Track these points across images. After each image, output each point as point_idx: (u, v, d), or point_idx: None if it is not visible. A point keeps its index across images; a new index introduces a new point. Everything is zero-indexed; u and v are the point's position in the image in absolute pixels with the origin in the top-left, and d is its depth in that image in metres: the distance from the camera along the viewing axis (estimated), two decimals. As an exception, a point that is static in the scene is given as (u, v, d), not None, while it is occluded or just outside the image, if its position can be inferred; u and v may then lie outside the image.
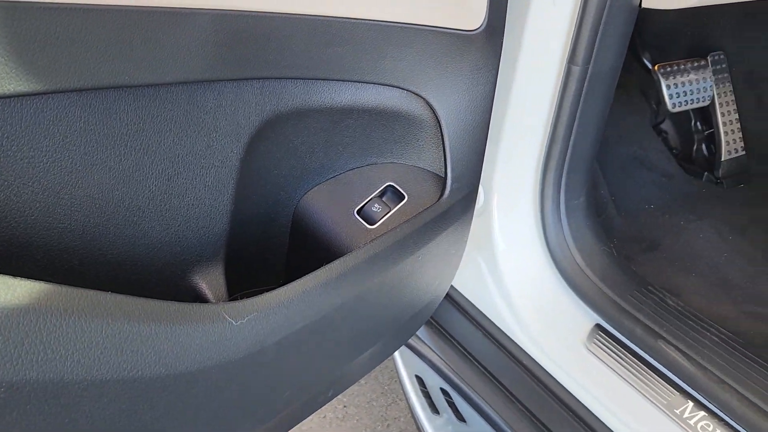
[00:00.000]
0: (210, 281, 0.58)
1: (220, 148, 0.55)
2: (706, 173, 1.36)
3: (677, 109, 1.26)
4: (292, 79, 0.57)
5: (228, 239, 0.59)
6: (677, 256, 1.14)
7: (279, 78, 0.56)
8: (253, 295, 0.58)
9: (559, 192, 0.96)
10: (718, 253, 1.16)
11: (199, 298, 0.58)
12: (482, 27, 0.61)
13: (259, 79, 0.55)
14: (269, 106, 0.57)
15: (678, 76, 1.25)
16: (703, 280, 1.08)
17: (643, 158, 1.36)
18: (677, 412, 0.80)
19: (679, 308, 0.92)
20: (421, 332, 1.11)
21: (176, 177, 0.52)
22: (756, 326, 0.97)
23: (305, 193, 0.68)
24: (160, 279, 0.56)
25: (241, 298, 0.57)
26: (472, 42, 0.62)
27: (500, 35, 0.65)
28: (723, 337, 0.88)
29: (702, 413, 0.81)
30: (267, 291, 0.57)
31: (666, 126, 1.41)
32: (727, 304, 1.02)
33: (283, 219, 0.68)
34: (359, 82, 0.61)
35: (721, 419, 0.79)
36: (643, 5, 0.85)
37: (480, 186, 0.92)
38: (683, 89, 1.25)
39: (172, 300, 0.49)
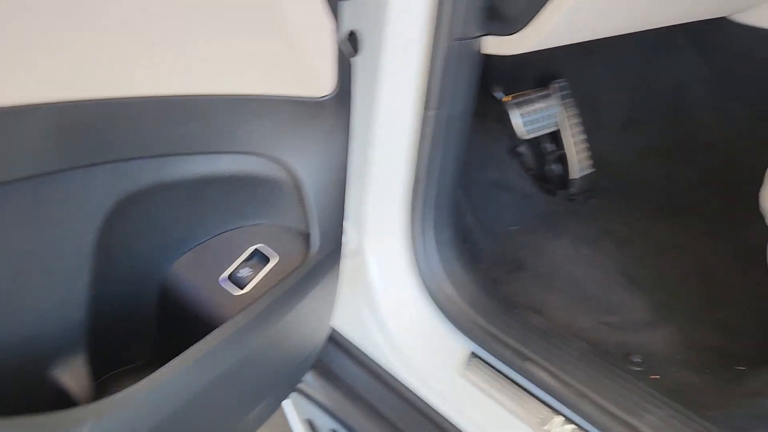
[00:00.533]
0: (73, 372, 0.56)
1: (71, 237, 0.53)
2: (560, 191, 1.48)
3: (529, 136, 1.36)
4: (145, 158, 0.56)
5: (89, 325, 0.57)
6: (540, 274, 1.23)
7: (131, 159, 0.56)
8: (122, 375, 0.56)
9: (427, 228, 1.00)
10: (576, 266, 1.26)
11: (63, 392, 0.55)
12: (332, 93, 0.64)
13: (109, 162, 0.54)
14: (122, 187, 0.56)
15: (527, 106, 1.35)
16: (564, 294, 1.17)
17: (503, 181, 1.45)
18: (547, 428, 0.86)
19: (543, 327, 0.99)
20: (308, 376, 1.12)
21: (24, 273, 0.50)
22: (610, 336, 1.06)
23: (171, 264, 0.67)
24: (19, 378, 0.53)
25: (110, 380, 0.55)
26: (324, 107, 0.64)
27: (349, 97, 0.68)
28: (583, 350, 0.96)
29: (572, 427, 0.87)
30: (137, 368, 0.56)
31: (521, 149, 1.51)
32: (586, 316, 1.11)
33: (149, 293, 0.67)
34: (216, 153, 0.61)
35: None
36: (485, 52, 0.92)
37: (353, 228, 0.94)
38: (533, 117, 1.35)
39: (34, 399, 0.46)
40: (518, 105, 1.33)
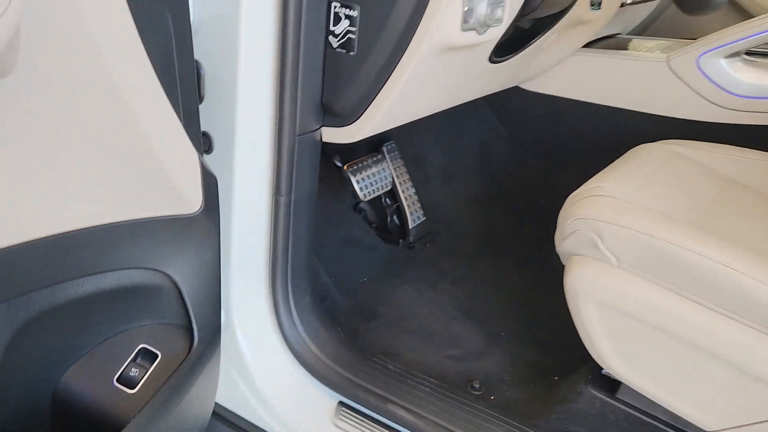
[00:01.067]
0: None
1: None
2: (401, 240, 1.67)
3: (368, 198, 1.53)
4: (36, 290, 0.63)
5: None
6: (392, 320, 1.39)
7: (25, 293, 0.62)
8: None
9: (287, 298, 1.12)
10: (421, 308, 1.44)
11: None
12: (201, 208, 0.75)
13: (5, 301, 0.60)
14: (19, 317, 0.63)
15: (363, 171, 1.52)
16: (414, 336, 1.34)
17: (350, 237, 1.61)
18: (412, 460, 1.02)
19: (398, 370, 1.15)
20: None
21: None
22: (454, 367, 1.25)
23: (63, 375, 0.73)
24: None
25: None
26: (195, 221, 0.74)
27: (217, 210, 0.79)
28: (433, 385, 1.13)
29: (434, 456, 1.03)
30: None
31: (363, 205, 1.68)
32: (433, 353, 1.29)
33: (43, 407, 0.72)
34: (101, 272, 0.69)
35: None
36: (325, 140, 1.07)
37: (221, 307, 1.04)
38: (369, 181, 1.53)
39: None
40: (354, 172, 1.50)
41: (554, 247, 1.10)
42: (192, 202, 0.73)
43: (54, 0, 0.52)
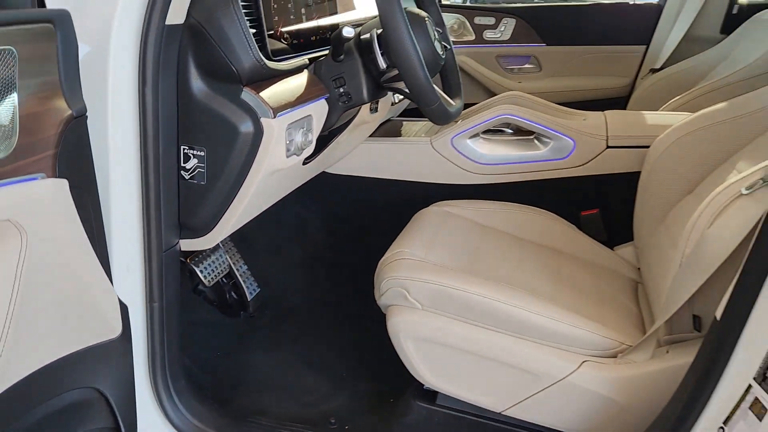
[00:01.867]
0: None
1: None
2: (242, 312, 1.91)
3: (212, 283, 1.76)
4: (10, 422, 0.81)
5: None
6: (252, 383, 1.64)
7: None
8: None
9: (167, 385, 1.33)
10: (273, 368, 1.71)
11: None
12: (120, 331, 0.97)
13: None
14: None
15: (204, 261, 1.76)
16: (274, 393, 1.61)
17: (197, 319, 1.83)
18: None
19: (270, 424, 1.42)
20: None
21: None
22: (313, 410, 1.54)
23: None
24: None
25: None
26: (117, 341, 0.96)
27: (130, 330, 1.00)
28: (300, 429, 1.41)
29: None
30: None
31: (201, 287, 1.90)
32: (293, 404, 1.57)
33: None
34: (51, 399, 0.88)
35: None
36: (185, 249, 1.31)
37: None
38: (210, 268, 1.77)
39: None
40: (196, 264, 1.73)
41: (371, 298, 1.45)
42: (115, 328, 0.95)
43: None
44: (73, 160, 0.88)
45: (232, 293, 1.94)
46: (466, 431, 1.38)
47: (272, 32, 1.34)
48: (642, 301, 1.54)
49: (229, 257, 1.89)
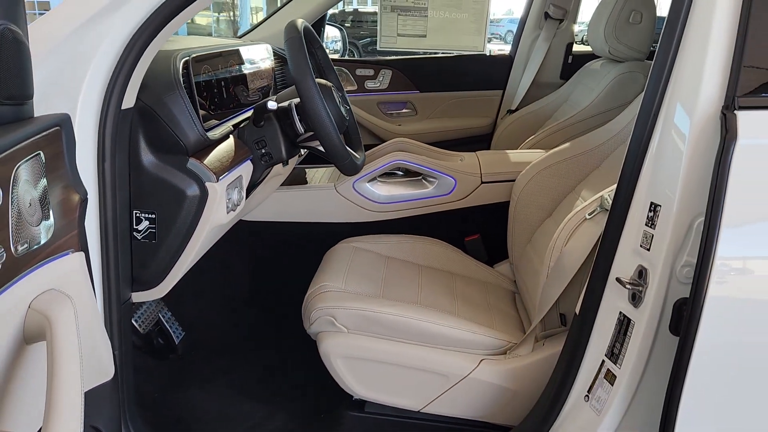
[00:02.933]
0: None
1: None
2: (171, 355, 2.06)
3: (146, 330, 1.90)
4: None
5: None
6: (195, 421, 1.80)
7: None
8: None
9: (128, 426, 1.47)
10: (211, 404, 1.87)
11: None
12: (113, 374, 1.13)
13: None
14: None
15: (137, 311, 1.89)
16: (218, 427, 1.77)
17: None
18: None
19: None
20: None
21: None
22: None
23: None
24: None
25: None
26: (109, 384, 1.13)
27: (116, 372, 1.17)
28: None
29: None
30: None
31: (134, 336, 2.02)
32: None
33: None
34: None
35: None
36: (137, 300, 1.48)
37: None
38: (143, 317, 1.91)
39: None
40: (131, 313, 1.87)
41: (293, 328, 1.68)
42: (110, 370, 1.11)
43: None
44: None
45: (159, 339, 2.07)
46: (393, 431, 1.64)
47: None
48: (519, 306, 1.90)
49: (154, 305, 2.04)
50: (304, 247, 2.15)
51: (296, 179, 2.23)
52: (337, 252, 1.92)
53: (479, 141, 3.09)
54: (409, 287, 1.76)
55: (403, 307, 1.60)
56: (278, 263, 2.19)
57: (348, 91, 3.26)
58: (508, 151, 2.30)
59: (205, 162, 1.40)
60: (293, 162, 2.08)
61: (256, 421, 1.78)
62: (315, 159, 2.40)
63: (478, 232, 2.18)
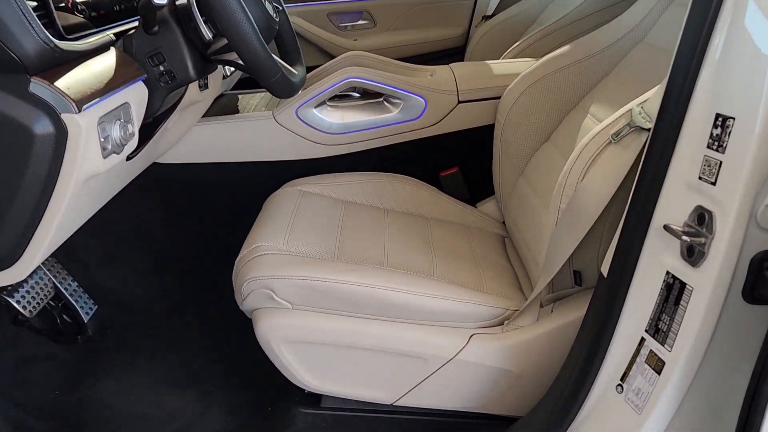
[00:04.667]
0: None
1: None
2: (79, 336, 1.64)
3: (35, 313, 1.47)
4: None
5: None
6: (104, 422, 1.40)
7: None
8: None
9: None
10: (127, 397, 1.48)
11: None
12: None
13: None
14: None
15: (20, 289, 1.46)
16: (137, 426, 1.39)
17: (24, 355, 1.53)
18: None
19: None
20: None
21: None
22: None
23: None
24: None
25: None
26: None
27: None
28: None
29: None
30: None
31: (21, 318, 1.60)
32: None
33: None
34: None
35: None
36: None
37: None
38: (30, 296, 1.47)
39: None
40: (9, 294, 1.43)
41: (232, 299, 1.28)
42: None
43: None
44: None
45: (64, 316, 1.65)
46: (358, 430, 1.27)
47: (62, 4, 1.08)
48: (512, 254, 1.52)
49: (53, 276, 1.60)
50: (238, 195, 1.72)
51: (224, 109, 1.77)
52: (278, 199, 1.49)
53: (450, 55, 2.64)
54: (373, 241, 1.35)
55: (364, 271, 1.20)
56: (207, 217, 1.75)
57: (291, 1, 2.74)
58: (489, 61, 1.86)
59: (59, 84, 0.94)
60: (217, 84, 1.61)
61: (184, 423, 1.39)
62: (254, 84, 1.93)
63: (456, 164, 1.76)
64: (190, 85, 1.42)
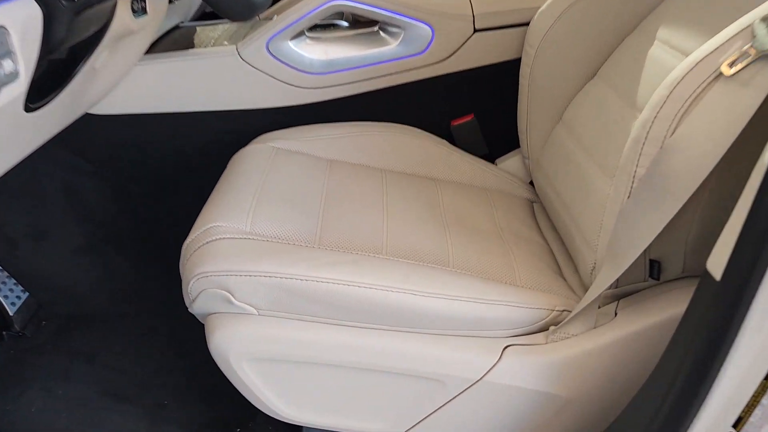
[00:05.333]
0: None
1: None
2: (3, 333, 1.32)
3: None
4: None
5: None
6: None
7: None
8: None
9: None
10: (57, 414, 1.17)
11: None
12: None
13: None
14: None
15: None
16: None
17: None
18: None
19: None
20: None
21: None
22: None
23: None
24: None
25: None
26: None
27: None
28: None
29: None
30: None
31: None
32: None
33: None
34: None
35: None
36: None
37: None
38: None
39: None
40: None
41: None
42: None
43: None
44: None
45: (-15, 310, 1.33)
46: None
47: None
48: (543, 223, 1.19)
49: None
50: (196, 153, 1.37)
51: (177, 44, 1.40)
52: (244, 160, 1.15)
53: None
54: (368, 216, 1.02)
55: (357, 264, 0.87)
56: (158, 182, 1.39)
57: None
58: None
59: None
60: (161, 8, 1.23)
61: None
62: (216, 14, 1.54)
63: (472, 111, 1.40)
64: (118, 7, 1.05)
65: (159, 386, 1.21)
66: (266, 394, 0.90)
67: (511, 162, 1.36)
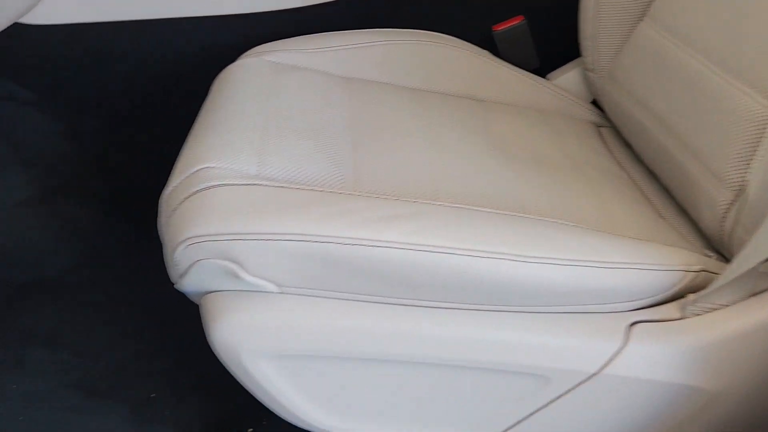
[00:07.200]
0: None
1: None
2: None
3: None
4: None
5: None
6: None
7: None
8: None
9: None
10: (9, 411, 0.91)
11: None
12: None
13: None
14: None
15: None
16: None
17: None
18: None
19: None
20: None
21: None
22: None
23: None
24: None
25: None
26: None
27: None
28: None
29: None
30: None
31: None
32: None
33: None
34: None
35: None
36: None
37: None
38: None
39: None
40: None
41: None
42: None
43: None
44: None
45: None
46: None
47: None
48: (616, 151, 0.94)
49: None
50: (166, 75, 1.07)
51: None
52: (235, 77, 0.87)
53: None
54: (414, 150, 0.75)
55: (423, 219, 0.61)
56: (122, 111, 1.09)
57: None
58: None
59: None
60: None
61: None
62: None
63: (520, 12, 1.11)
64: None
65: (143, 375, 0.95)
66: (291, 399, 0.65)
67: (567, 77, 1.09)
